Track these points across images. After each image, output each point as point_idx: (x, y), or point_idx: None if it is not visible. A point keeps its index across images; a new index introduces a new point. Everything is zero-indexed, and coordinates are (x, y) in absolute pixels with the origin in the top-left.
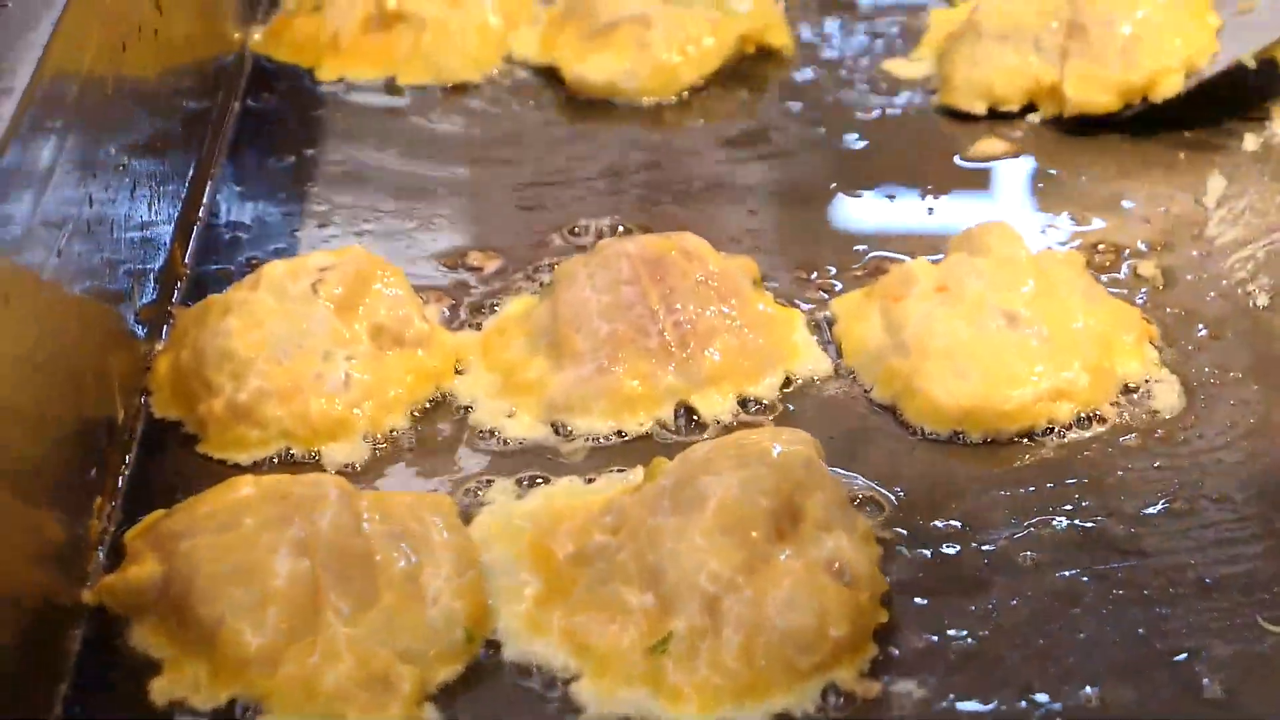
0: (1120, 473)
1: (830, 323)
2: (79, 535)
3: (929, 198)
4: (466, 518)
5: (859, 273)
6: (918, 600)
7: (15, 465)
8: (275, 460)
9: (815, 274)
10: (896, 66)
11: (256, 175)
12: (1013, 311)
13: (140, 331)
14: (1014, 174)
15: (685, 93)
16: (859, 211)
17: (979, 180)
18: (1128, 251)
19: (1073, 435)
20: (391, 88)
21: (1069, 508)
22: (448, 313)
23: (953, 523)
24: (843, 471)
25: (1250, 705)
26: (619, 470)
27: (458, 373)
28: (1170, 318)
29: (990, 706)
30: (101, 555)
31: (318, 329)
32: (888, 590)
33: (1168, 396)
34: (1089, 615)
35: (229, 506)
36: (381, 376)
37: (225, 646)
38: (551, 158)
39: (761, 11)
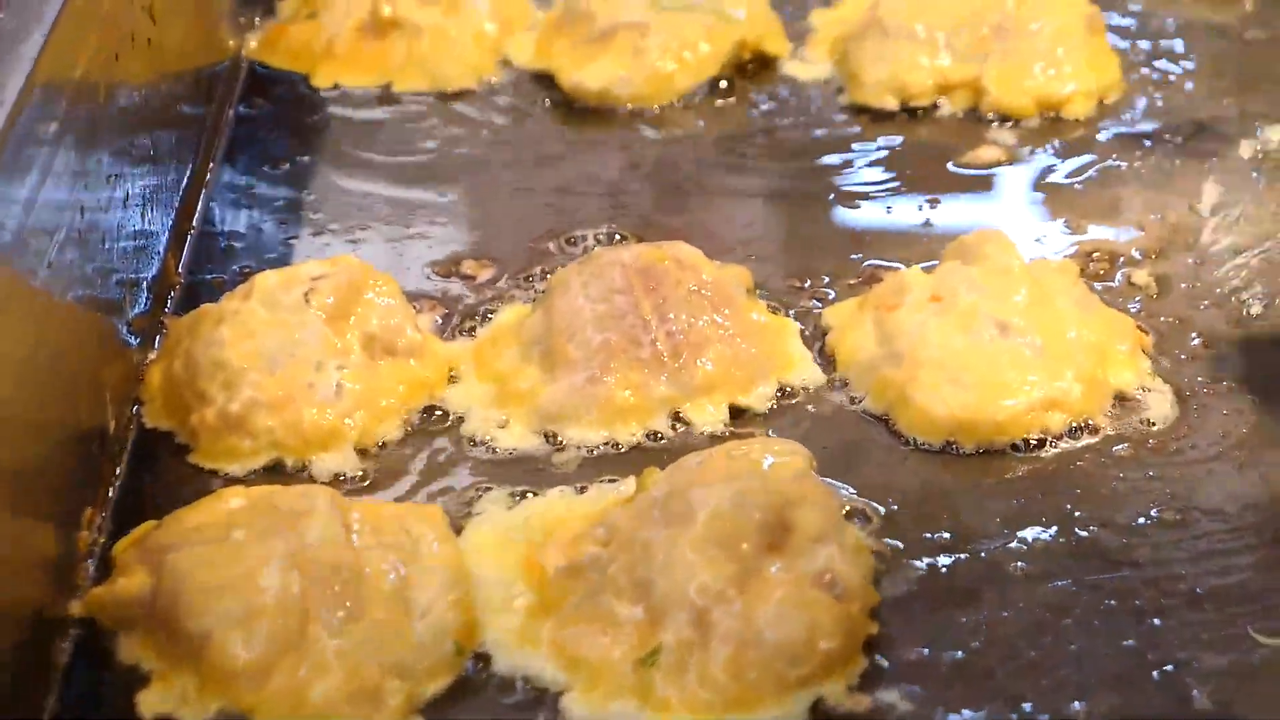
0: (1113, 483)
1: (824, 332)
2: (69, 546)
3: (923, 206)
4: (457, 528)
5: (853, 282)
6: (908, 612)
7: (6, 475)
8: (267, 470)
9: (809, 283)
10: (795, 69)
11: (250, 183)
12: (1006, 321)
13: (133, 341)
14: (1008, 182)
15: (681, 99)
16: (853, 220)
17: (973, 188)
18: (1122, 259)
19: (1065, 445)
20: (387, 94)
21: (1061, 518)
22: (441, 321)
23: (944, 534)
24: (835, 482)
25: (1241, 717)
26: (610, 480)
27: (451, 382)
28: (1164, 326)
29: (980, 718)
30: (91, 567)
31: (310, 339)
32: (879, 603)
33: (1161, 406)
34: (1080, 626)
35: (218, 519)
36: (373, 386)
37: (214, 659)
38: (546, 165)
39: (757, 18)
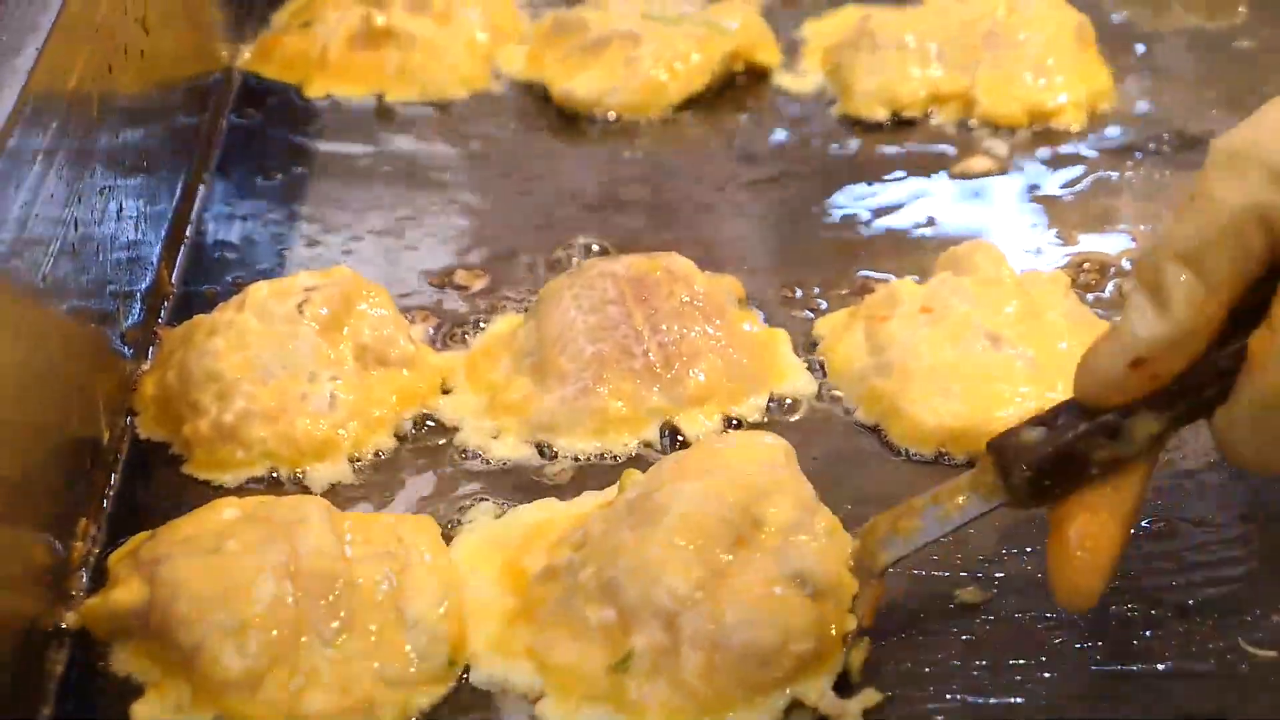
0: None
1: (815, 343)
2: (62, 557)
3: (914, 217)
4: (449, 539)
5: (844, 292)
6: (894, 618)
7: None
8: (261, 481)
9: (800, 293)
10: (786, 80)
11: (244, 194)
12: (997, 332)
13: (126, 352)
14: (999, 192)
15: (673, 110)
16: (844, 231)
17: (964, 199)
18: (1113, 270)
19: None
20: (380, 105)
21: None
22: (434, 332)
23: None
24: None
25: None
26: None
27: (444, 393)
28: None
29: None
30: (85, 577)
31: (303, 349)
32: (857, 593)
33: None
34: (1068, 636)
35: (211, 529)
36: (366, 397)
37: (207, 670)
38: (538, 175)
39: (749, 29)
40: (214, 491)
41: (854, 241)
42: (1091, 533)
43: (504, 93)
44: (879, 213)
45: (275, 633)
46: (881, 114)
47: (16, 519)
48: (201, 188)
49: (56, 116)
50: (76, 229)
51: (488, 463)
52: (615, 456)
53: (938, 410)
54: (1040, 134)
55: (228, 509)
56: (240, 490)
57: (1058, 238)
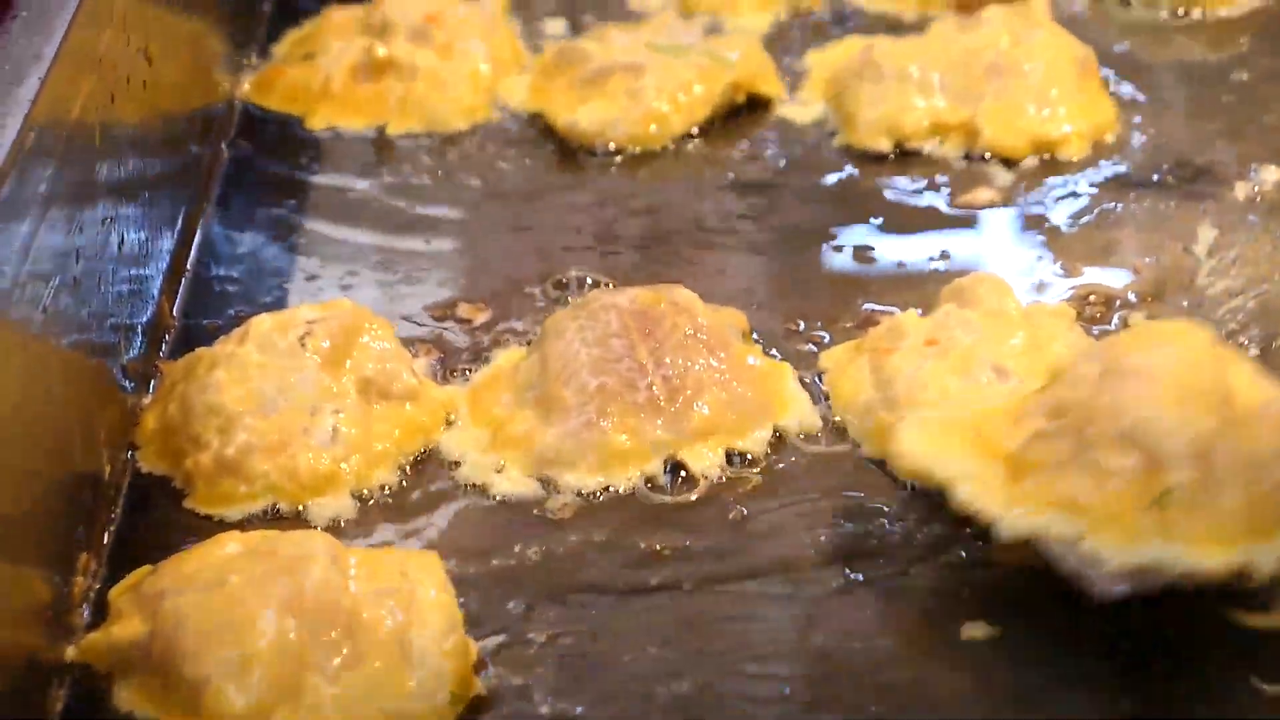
0: None
1: (820, 376)
2: (63, 592)
3: (918, 249)
4: (452, 574)
5: (848, 325)
6: None
7: None
8: (263, 515)
9: (804, 326)
10: (789, 111)
11: (245, 226)
12: (1002, 365)
13: (127, 385)
14: (1003, 224)
15: (676, 141)
16: (847, 263)
17: (968, 230)
18: (1118, 302)
19: None
20: (382, 136)
21: None
22: (437, 365)
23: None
24: (832, 529)
25: None
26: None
27: (447, 426)
28: None
29: None
30: (86, 612)
31: (305, 383)
32: None
33: None
34: (1082, 671)
35: (214, 564)
36: (369, 430)
37: (210, 706)
38: (541, 207)
39: (751, 60)
40: (216, 526)
41: (857, 274)
42: None
43: (506, 124)
44: (882, 245)
45: (279, 668)
46: (885, 144)
47: (17, 553)
48: (203, 219)
49: (58, 147)
50: (78, 261)
51: (492, 497)
52: (620, 490)
53: None
54: (1044, 165)
55: (230, 543)
56: (242, 525)
57: (1062, 270)
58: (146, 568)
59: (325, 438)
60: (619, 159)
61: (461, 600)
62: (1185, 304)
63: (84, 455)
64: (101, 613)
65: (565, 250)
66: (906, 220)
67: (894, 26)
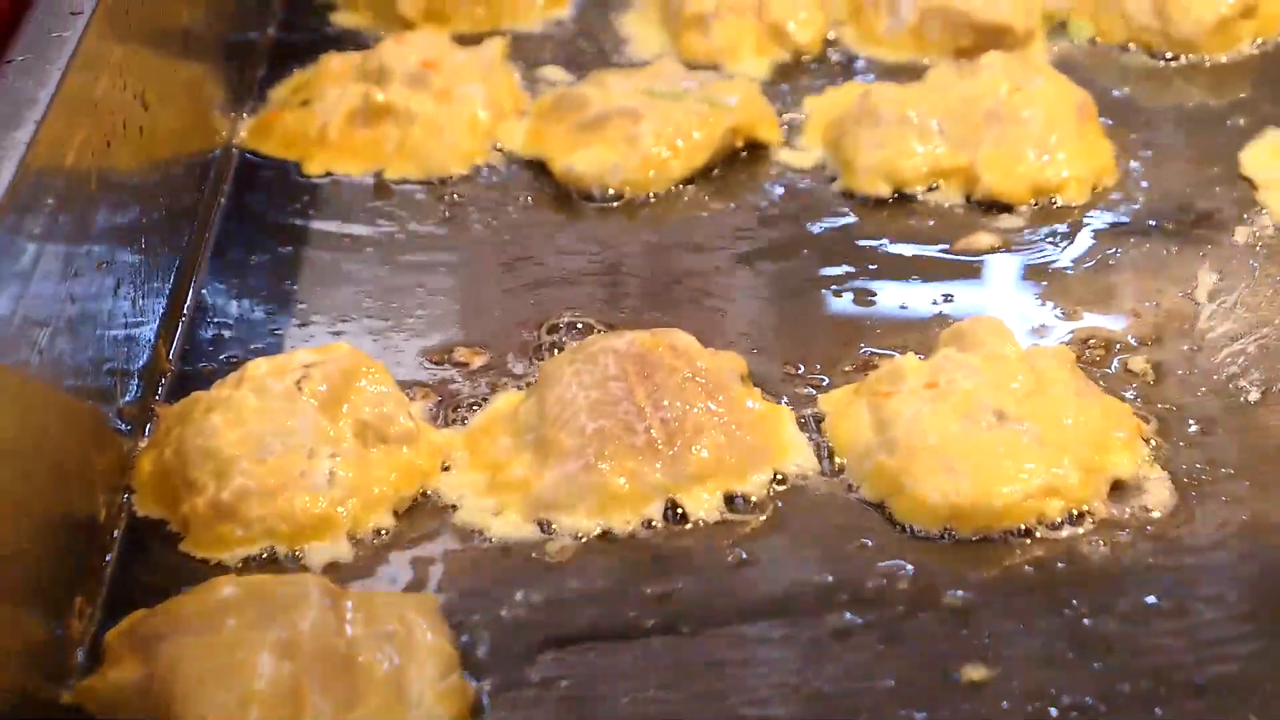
0: (1111, 570)
1: (819, 419)
2: (59, 635)
3: (917, 293)
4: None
5: (848, 369)
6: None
7: None
8: (259, 559)
9: (803, 369)
10: (787, 156)
11: (242, 271)
12: (1003, 408)
13: (123, 429)
14: (1002, 268)
15: (674, 186)
16: (846, 307)
17: (968, 275)
18: (1118, 346)
19: (1064, 532)
20: (379, 181)
21: (1059, 606)
22: (434, 409)
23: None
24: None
25: None
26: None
27: (444, 470)
28: (1161, 413)
29: None
30: (82, 655)
31: (301, 427)
32: None
33: (1159, 493)
34: (1079, 714)
35: (210, 607)
36: (366, 474)
37: None
38: (539, 252)
39: (750, 105)
40: (212, 569)
41: (856, 318)
42: None
43: (504, 169)
44: (881, 289)
45: (275, 711)
46: (883, 189)
47: (13, 596)
48: (199, 264)
49: (54, 191)
50: (74, 305)
51: (489, 541)
52: (616, 534)
53: (943, 487)
54: (1043, 210)
55: (227, 586)
56: (239, 569)
57: (1062, 313)
58: (143, 611)
59: (322, 481)
60: (617, 204)
61: (459, 642)
62: (1185, 348)
63: (80, 498)
64: (98, 656)
65: (563, 295)
66: (905, 265)
67: (893, 72)
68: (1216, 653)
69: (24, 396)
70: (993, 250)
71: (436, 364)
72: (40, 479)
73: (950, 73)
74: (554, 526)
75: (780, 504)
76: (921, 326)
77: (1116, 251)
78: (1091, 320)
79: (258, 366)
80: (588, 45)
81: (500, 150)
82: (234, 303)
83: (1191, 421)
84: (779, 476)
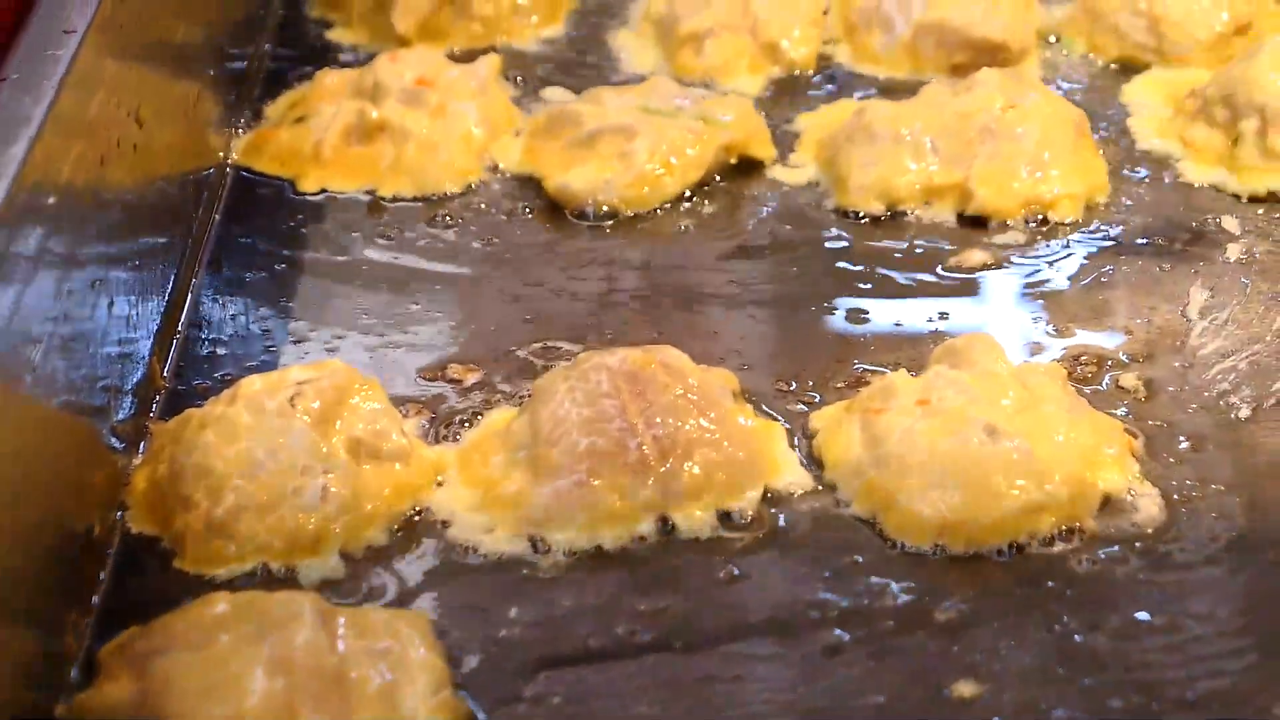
0: (1102, 586)
1: (811, 436)
2: (53, 651)
3: (910, 310)
4: (440, 631)
5: (840, 385)
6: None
7: None
8: (253, 576)
9: (796, 386)
10: (781, 173)
11: (237, 288)
12: (994, 425)
13: (117, 446)
14: (995, 285)
15: (668, 203)
16: (839, 324)
17: (960, 292)
18: (1110, 363)
19: (1055, 548)
20: (373, 199)
21: (1050, 622)
22: (427, 425)
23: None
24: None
25: None
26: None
27: (437, 486)
28: (1152, 430)
29: None
30: (75, 671)
31: (295, 444)
32: None
33: (1149, 509)
34: None
35: (204, 623)
36: (359, 491)
37: None
38: (533, 269)
39: (743, 122)
40: (205, 586)
41: (849, 334)
42: None
43: (499, 186)
44: (874, 306)
45: None
46: (877, 207)
47: (7, 612)
48: (193, 281)
49: (48, 209)
50: (67, 323)
51: (482, 557)
52: (610, 550)
53: (934, 503)
54: (1036, 227)
55: (220, 603)
56: (232, 585)
57: (1054, 330)
58: (136, 627)
59: (315, 498)
60: (611, 221)
61: (450, 659)
62: (1177, 364)
63: (74, 515)
64: (91, 672)
65: (556, 311)
66: (898, 282)
67: (886, 89)
68: (1208, 668)
69: (18, 413)
70: (985, 267)
71: (430, 380)
72: (34, 496)
73: (944, 89)
74: (547, 543)
75: (772, 520)
76: (914, 343)
77: (1109, 268)
78: (1084, 337)
79: (251, 384)
80: (582, 62)
81: (495, 167)
82: (228, 320)
83: (1182, 438)
84: (771, 493)
